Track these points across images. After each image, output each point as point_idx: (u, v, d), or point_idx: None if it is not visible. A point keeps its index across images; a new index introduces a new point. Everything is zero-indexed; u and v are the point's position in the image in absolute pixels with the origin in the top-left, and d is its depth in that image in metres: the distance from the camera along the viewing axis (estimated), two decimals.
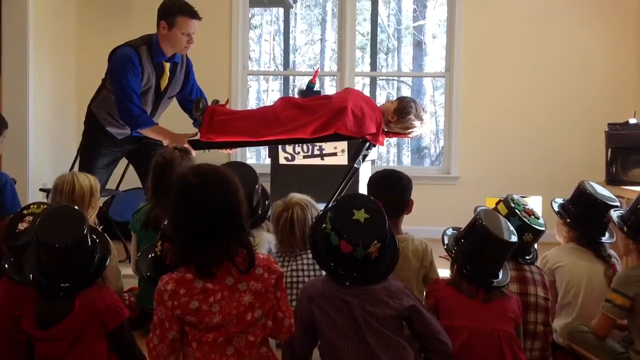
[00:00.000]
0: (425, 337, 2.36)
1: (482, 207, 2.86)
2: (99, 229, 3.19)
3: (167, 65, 4.33)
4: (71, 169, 4.59)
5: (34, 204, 2.76)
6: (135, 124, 4.22)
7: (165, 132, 4.24)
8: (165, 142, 4.16)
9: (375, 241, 2.30)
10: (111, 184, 4.77)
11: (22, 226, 2.59)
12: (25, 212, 2.68)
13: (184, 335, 2.09)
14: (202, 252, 2.05)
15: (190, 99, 4.46)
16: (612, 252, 3.16)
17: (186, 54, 4.42)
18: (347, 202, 2.41)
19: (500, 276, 2.58)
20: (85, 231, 2.39)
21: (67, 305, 2.36)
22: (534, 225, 2.86)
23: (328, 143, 4.34)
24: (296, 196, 3.14)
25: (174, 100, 4.57)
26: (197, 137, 4.23)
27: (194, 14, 4.20)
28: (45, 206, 2.72)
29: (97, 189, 3.35)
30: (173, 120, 4.64)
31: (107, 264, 2.51)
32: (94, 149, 4.41)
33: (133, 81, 4.15)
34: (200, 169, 2.14)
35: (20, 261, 2.49)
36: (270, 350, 2.16)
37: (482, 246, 2.57)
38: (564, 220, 3.19)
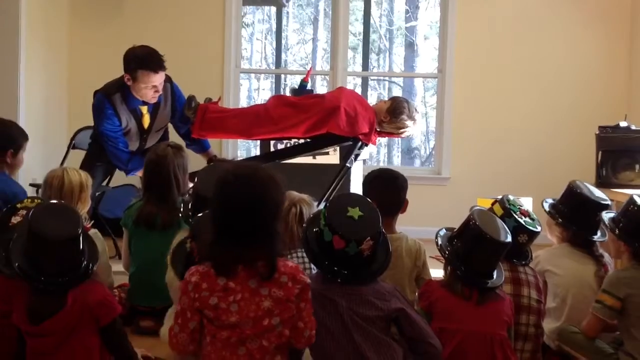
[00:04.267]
0: (414, 340, 2.35)
1: (478, 208, 2.86)
2: (90, 226, 3.20)
3: (145, 108, 4.26)
4: (62, 165, 4.58)
5: (27, 198, 2.73)
6: (125, 170, 4.26)
7: None
8: None
9: (368, 238, 2.30)
10: None
11: (15, 220, 2.56)
12: (19, 205, 2.64)
13: (202, 327, 2.10)
14: (224, 249, 2.06)
15: (181, 125, 4.45)
16: (604, 252, 3.16)
17: (170, 85, 4.31)
18: (342, 200, 2.42)
19: (495, 277, 2.59)
20: (79, 230, 2.37)
21: (60, 300, 2.34)
22: (529, 227, 2.85)
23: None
24: (297, 194, 3.13)
25: None
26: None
27: (156, 67, 4.05)
28: (39, 201, 2.69)
29: (88, 185, 3.30)
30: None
31: (93, 269, 2.46)
32: (98, 149, 4.38)
33: (111, 128, 4.15)
34: (239, 168, 2.17)
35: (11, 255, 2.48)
36: (286, 358, 2.14)
37: (476, 246, 2.57)
38: (555, 220, 3.19)
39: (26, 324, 2.36)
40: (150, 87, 4.09)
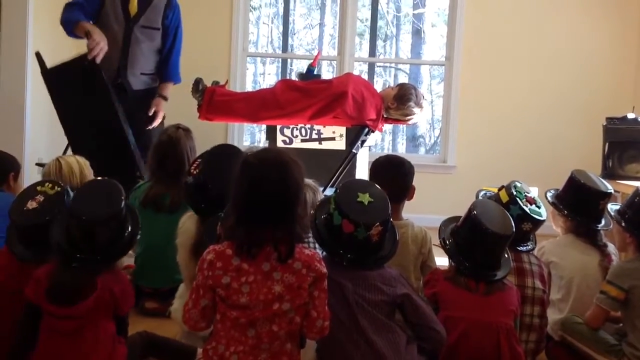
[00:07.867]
0: (419, 326, 2.35)
1: (484, 191, 2.84)
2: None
3: None
4: (67, 145, 4.57)
5: (48, 183, 2.61)
6: (62, 16, 4.25)
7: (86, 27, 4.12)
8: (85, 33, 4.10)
9: (377, 223, 2.30)
10: None
11: (31, 205, 2.49)
12: (38, 188, 2.56)
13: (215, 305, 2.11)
14: (248, 231, 2.06)
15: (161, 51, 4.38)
16: (609, 242, 3.16)
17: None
18: (353, 185, 2.43)
19: (502, 267, 2.58)
20: (120, 206, 2.36)
21: (90, 284, 2.30)
22: (534, 215, 2.83)
23: (327, 127, 4.35)
24: None
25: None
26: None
27: None
28: (59, 188, 2.57)
29: (87, 165, 3.25)
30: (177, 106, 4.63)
31: (136, 239, 2.48)
32: None
33: None
34: (262, 151, 2.17)
35: (23, 238, 2.46)
36: (297, 349, 2.14)
37: (477, 240, 2.55)
38: (559, 211, 3.18)
39: (50, 305, 2.29)
40: None
